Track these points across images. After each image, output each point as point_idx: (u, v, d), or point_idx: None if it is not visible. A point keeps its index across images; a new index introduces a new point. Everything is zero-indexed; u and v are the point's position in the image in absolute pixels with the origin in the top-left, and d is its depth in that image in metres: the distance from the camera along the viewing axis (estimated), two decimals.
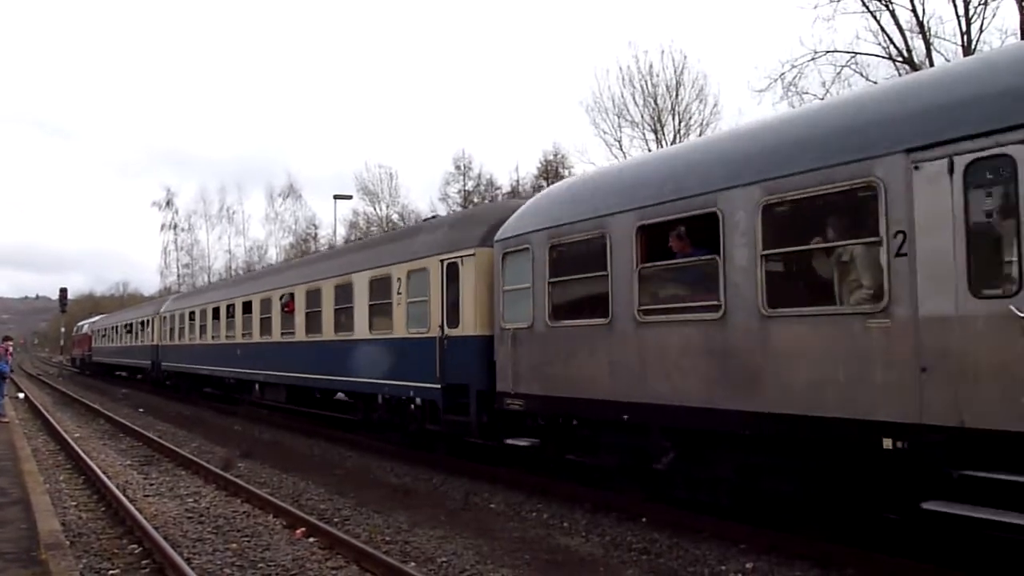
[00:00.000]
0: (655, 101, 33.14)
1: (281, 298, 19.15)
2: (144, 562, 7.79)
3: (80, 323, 61.44)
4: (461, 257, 12.02)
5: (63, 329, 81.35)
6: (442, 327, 12.28)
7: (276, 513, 9.67)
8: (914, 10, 23.91)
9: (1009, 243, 5.70)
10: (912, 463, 6.27)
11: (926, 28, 23.95)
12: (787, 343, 7.14)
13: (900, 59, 24.43)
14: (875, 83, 21.90)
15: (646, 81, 33.17)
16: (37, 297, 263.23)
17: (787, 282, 7.40)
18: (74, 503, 10.69)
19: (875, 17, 24.54)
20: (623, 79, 33.52)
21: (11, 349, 21.57)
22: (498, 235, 11.11)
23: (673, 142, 31.58)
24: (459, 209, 40.67)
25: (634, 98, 33.38)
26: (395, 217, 51.06)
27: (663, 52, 33.55)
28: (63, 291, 56.59)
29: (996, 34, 24.31)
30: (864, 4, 24.28)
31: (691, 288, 8.31)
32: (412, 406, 13.28)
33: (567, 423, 10.13)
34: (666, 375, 8.30)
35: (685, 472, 8.65)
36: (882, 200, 6.36)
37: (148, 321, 34.38)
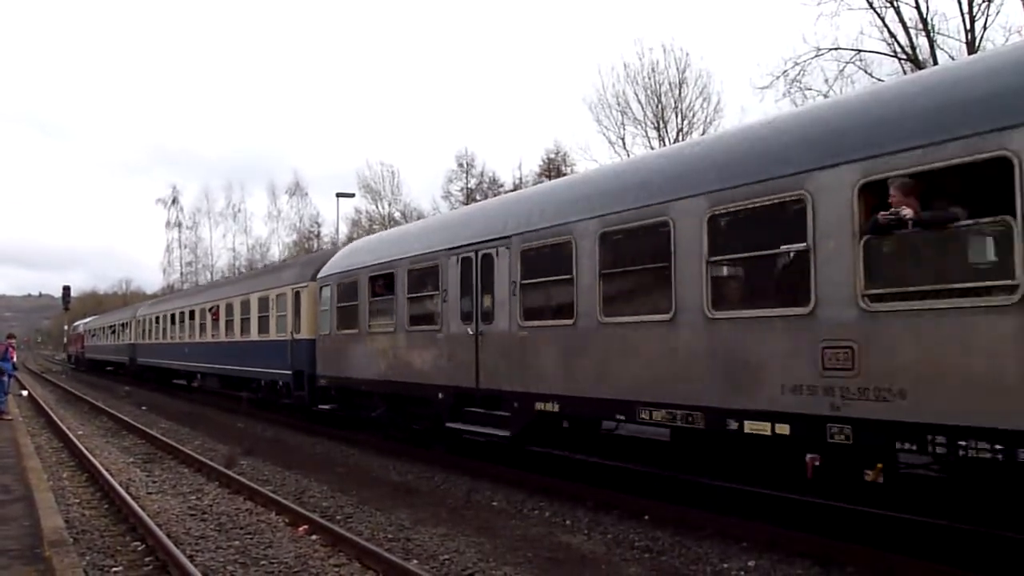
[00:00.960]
0: (658, 99, 33.13)
1: (210, 309, 25.30)
2: (147, 559, 7.81)
3: (75, 323, 65.29)
4: (302, 287, 18.25)
5: (66, 327, 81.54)
6: (292, 333, 18.45)
7: (278, 511, 9.69)
8: (918, 7, 23.86)
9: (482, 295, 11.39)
10: (450, 406, 12.14)
11: (930, 26, 23.89)
12: (416, 344, 13.22)
13: (904, 57, 24.38)
14: (880, 80, 21.86)
15: (650, 79, 33.17)
16: (40, 295, 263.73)
17: (415, 312, 13.32)
18: (77, 500, 10.72)
19: (879, 14, 24.49)
20: (627, 76, 33.53)
21: (14, 345, 21.54)
22: (319, 274, 17.26)
23: (676, 140, 31.56)
24: (461, 204, 40.83)
25: (637, 96, 33.39)
26: (397, 215, 51.08)
27: (666, 50, 33.51)
28: (66, 289, 56.59)
29: (1000, 31, 24.20)
30: (868, 1, 24.24)
31: (386, 313, 14.18)
32: (278, 386, 19.39)
33: (351, 394, 15.88)
34: (377, 362, 14.41)
35: (390, 419, 14.67)
36: (440, 273, 12.36)
37: (127, 323, 40.20)
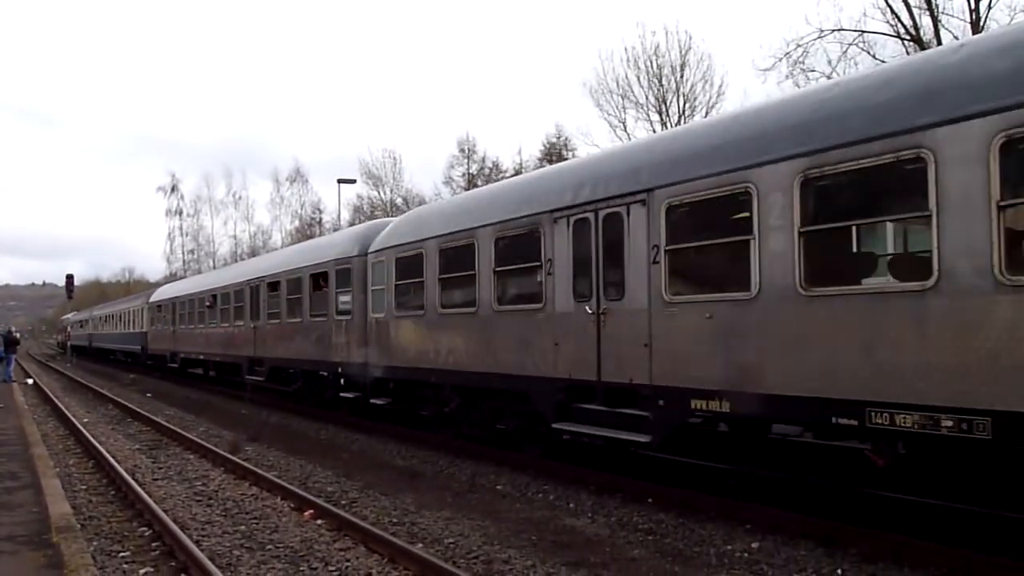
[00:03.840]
0: (660, 82, 32.95)
1: (117, 315, 46.07)
2: (154, 544, 7.87)
3: (62, 318, 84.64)
4: (144, 305, 36.94)
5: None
6: (142, 328, 37.07)
7: (284, 496, 9.74)
8: None
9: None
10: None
11: (934, 5, 23.70)
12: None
13: (908, 37, 24.19)
14: (883, 61, 21.73)
15: (651, 62, 32.98)
16: (43, 284, 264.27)
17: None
18: (84, 487, 10.78)
19: None
20: (628, 60, 33.34)
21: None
22: (150, 300, 36.11)
23: (677, 124, 31.42)
24: (462, 190, 40.88)
25: (639, 79, 33.21)
26: (399, 201, 50.95)
27: (668, 33, 33.31)
28: (69, 278, 56.65)
29: (1005, 11, 24.02)
30: None
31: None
32: (137, 355, 38.66)
33: (160, 357, 33.20)
34: (167, 342, 31.83)
35: (179, 368, 31.03)
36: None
37: (88, 320, 61.26)
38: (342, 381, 15.75)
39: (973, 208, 5.85)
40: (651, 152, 9.28)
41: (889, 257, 8.44)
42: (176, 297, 30.75)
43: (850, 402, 6.61)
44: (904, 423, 6.20)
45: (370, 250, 14.73)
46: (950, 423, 5.90)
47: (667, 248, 8.39)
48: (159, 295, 34.61)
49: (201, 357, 26.88)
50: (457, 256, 11.85)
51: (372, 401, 14.74)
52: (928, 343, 6.11)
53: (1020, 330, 5.58)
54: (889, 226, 8.48)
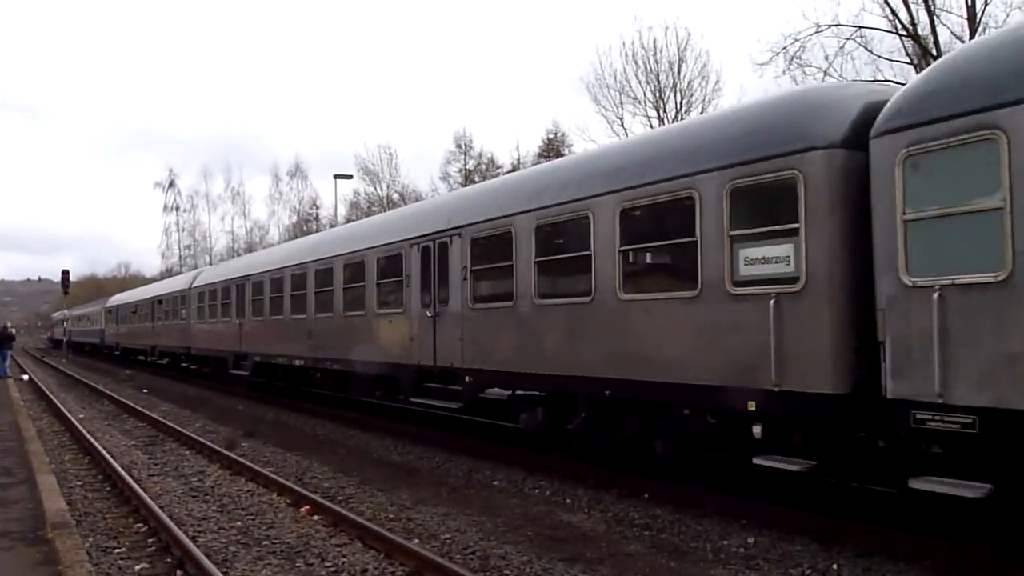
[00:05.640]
0: (657, 78, 32.93)
1: (87, 316, 58.43)
2: (150, 540, 7.85)
3: (52, 315, 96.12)
4: (103, 309, 50.07)
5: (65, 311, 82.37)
6: (100, 325, 49.92)
7: (280, 491, 9.73)
8: None
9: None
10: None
11: (931, 1, 23.70)
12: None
13: (905, 33, 24.21)
14: (880, 56, 21.76)
15: (649, 57, 32.94)
16: (39, 279, 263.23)
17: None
18: (79, 483, 10.75)
19: None
20: (626, 55, 33.32)
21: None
22: (106, 305, 48.93)
23: (675, 120, 31.40)
24: (460, 186, 40.91)
25: (636, 75, 33.18)
26: (395, 197, 50.89)
27: (667, 28, 33.32)
28: (65, 273, 56.33)
29: (1001, 7, 24.05)
30: None
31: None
32: (99, 344, 51.12)
33: (109, 346, 46.70)
34: (118, 336, 43.59)
35: (121, 355, 43.61)
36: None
37: (69, 319, 68.93)
38: (183, 357, 28.58)
39: None
40: None
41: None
42: (120, 304, 43.84)
43: None
44: None
45: (193, 285, 27.21)
46: None
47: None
48: (111, 302, 47.96)
49: (131, 346, 39.60)
50: (214, 295, 24.10)
51: (191, 367, 27.97)
52: None
53: None
54: None
